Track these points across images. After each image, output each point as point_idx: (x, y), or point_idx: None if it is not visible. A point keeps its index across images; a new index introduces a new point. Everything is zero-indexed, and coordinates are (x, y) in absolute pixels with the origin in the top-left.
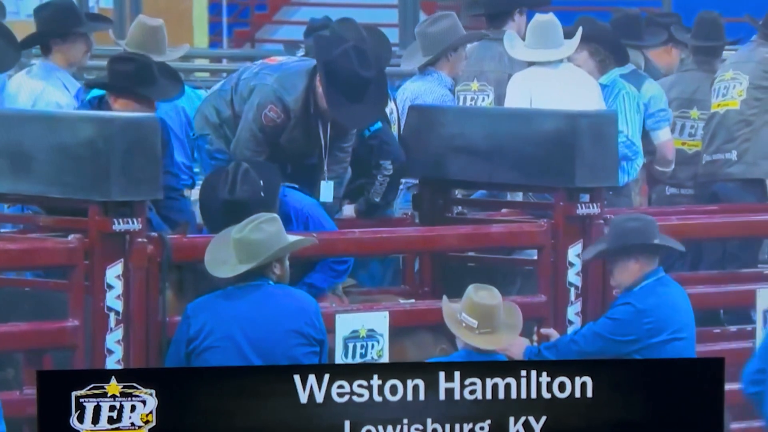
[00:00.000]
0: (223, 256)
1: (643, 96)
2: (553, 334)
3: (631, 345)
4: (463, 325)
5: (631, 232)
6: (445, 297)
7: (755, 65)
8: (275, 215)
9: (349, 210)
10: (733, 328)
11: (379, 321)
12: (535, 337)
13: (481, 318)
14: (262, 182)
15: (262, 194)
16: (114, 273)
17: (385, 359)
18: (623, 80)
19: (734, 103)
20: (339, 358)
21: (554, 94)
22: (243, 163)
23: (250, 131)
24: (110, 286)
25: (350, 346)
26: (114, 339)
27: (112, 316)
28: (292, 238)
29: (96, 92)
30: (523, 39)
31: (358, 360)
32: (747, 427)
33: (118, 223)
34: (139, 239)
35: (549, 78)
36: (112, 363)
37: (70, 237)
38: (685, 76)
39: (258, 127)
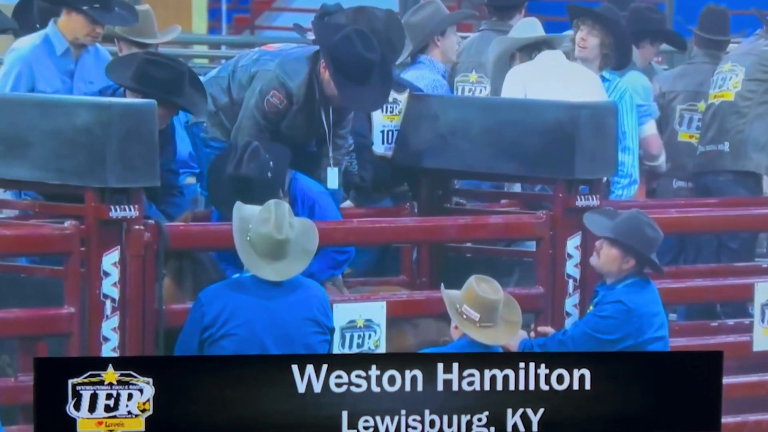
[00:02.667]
0: (260, 254)
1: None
2: (550, 331)
3: (620, 343)
4: (464, 317)
5: (645, 240)
6: (443, 286)
7: (753, 58)
8: (286, 204)
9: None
10: (730, 322)
11: (376, 311)
12: (532, 334)
13: (483, 312)
14: (271, 163)
15: (270, 174)
16: (110, 260)
17: (382, 349)
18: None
19: (729, 95)
20: (336, 348)
21: (550, 88)
22: (254, 142)
23: (252, 118)
24: (106, 273)
25: (347, 336)
26: (110, 326)
27: (108, 304)
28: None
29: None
30: None
31: (355, 350)
32: (743, 420)
33: (115, 210)
34: (136, 226)
35: (545, 72)
36: (107, 350)
37: (67, 223)
38: (691, 69)
39: (260, 113)
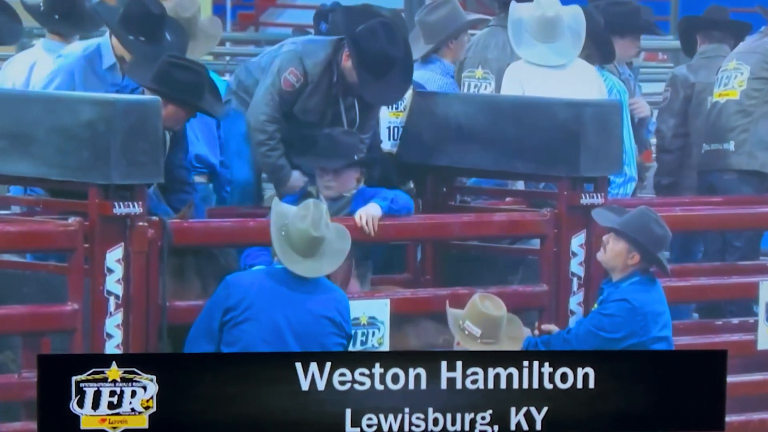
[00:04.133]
0: (295, 249)
1: None
2: (554, 329)
3: (624, 341)
4: (466, 332)
5: (651, 235)
6: (447, 303)
7: (758, 56)
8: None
9: None
10: (735, 320)
11: (380, 309)
12: (536, 332)
13: (485, 328)
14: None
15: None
16: (114, 257)
17: (386, 347)
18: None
19: (734, 93)
20: None
21: (548, 84)
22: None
23: (269, 95)
24: (110, 270)
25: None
26: (113, 323)
27: (112, 300)
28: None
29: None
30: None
31: (358, 347)
32: (747, 419)
33: (119, 207)
34: (140, 223)
35: (545, 69)
36: (111, 347)
37: (70, 220)
38: (708, 62)
39: (276, 90)
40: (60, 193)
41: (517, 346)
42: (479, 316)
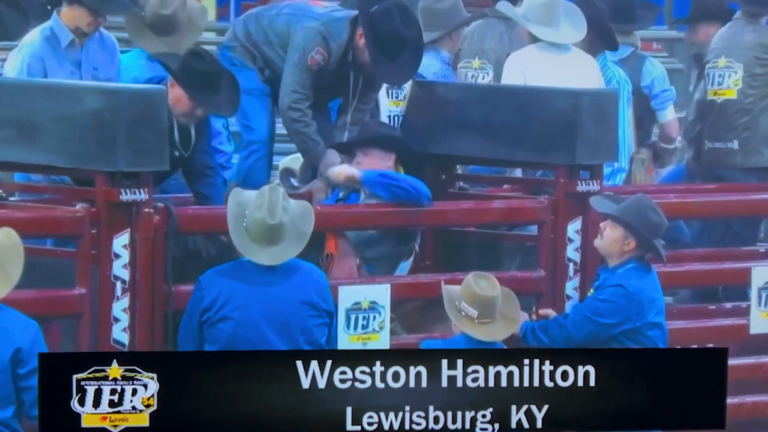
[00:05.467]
0: (254, 239)
1: (644, 77)
2: (551, 314)
3: (619, 327)
4: (463, 314)
5: (647, 222)
6: (443, 282)
7: (748, 53)
8: (280, 189)
9: None
10: (728, 305)
11: (381, 293)
12: (533, 316)
13: (481, 308)
14: None
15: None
16: (121, 242)
17: (386, 331)
18: (615, 65)
19: (731, 93)
20: (341, 330)
21: (549, 74)
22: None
23: (298, 72)
24: (117, 255)
25: (352, 317)
26: (120, 307)
27: (119, 285)
28: (299, 207)
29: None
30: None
31: (360, 331)
32: (740, 402)
33: (125, 194)
34: (146, 209)
35: (545, 58)
36: (118, 331)
37: (78, 206)
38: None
39: (304, 67)
40: (78, 181)
41: (513, 326)
42: (475, 297)
